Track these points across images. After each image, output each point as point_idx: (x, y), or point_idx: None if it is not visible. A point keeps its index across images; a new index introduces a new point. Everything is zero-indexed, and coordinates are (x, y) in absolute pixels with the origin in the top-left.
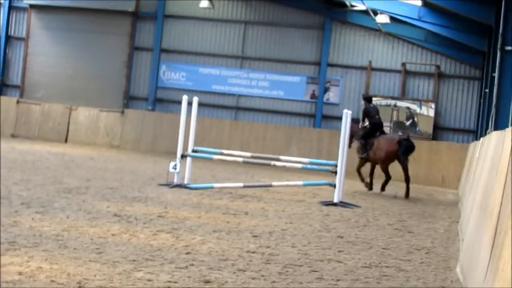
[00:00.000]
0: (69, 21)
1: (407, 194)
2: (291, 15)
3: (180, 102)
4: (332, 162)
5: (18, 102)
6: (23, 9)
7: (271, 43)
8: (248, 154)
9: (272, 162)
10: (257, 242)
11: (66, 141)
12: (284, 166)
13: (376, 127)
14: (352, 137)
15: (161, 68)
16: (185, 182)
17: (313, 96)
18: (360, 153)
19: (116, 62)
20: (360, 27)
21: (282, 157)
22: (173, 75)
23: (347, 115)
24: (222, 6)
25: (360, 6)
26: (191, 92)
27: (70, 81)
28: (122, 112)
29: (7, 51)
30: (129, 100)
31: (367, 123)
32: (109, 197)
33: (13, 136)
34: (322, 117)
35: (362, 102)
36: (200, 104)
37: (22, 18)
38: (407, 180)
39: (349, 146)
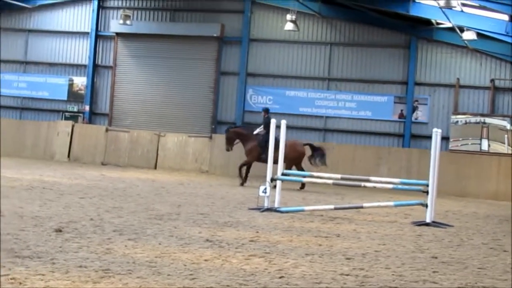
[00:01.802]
0: (155, 48)
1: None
2: (376, 35)
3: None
4: (423, 181)
5: (107, 130)
6: (110, 37)
7: (357, 63)
8: (338, 175)
9: (363, 183)
10: (351, 265)
11: (155, 167)
12: (374, 187)
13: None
14: (233, 140)
15: (247, 92)
16: (276, 205)
17: (401, 115)
18: (259, 155)
19: (203, 88)
20: (447, 44)
21: (372, 178)
22: (260, 98)
23: (437, 134)
24: (307, 28)
25: (446, 24)
26: (278, 115)
27: (157, 108)
28: (210, 137)
29: (95, 80)
30: (217, 125)
31: (259, 130)
32: (200, 223)
33: (103, 164)
34: (411, 137)
35: (262, 113)
36: (288, 127)
37: (109, 46)
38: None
39: (228, 149)
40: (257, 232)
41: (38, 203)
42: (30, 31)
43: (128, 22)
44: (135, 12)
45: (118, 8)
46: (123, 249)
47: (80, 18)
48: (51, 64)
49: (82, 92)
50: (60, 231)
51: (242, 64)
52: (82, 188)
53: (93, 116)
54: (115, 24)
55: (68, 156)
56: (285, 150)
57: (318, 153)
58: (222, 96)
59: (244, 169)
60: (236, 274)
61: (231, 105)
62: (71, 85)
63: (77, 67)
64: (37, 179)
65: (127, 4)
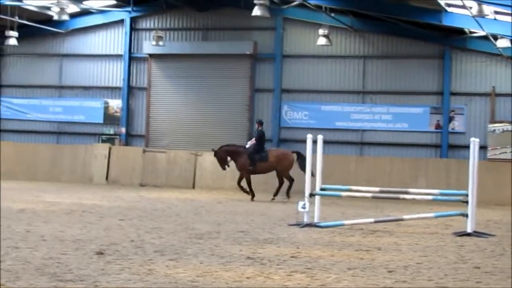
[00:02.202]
0: (188, 68)
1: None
2: (410, 47)
3: (304, 141)
4: (463, 191)
5: (144, 151)
6: (143, 59)
7: (391, 75)
8: (377, 188)
9: (402, 195)
10: (393, 277)
11: (193, 187)
12: (413, 199)
13: (263, 146)
14: (226, 159)
15: (283, 108)
16: (315, 221)
17: (437, 126)
18: (248, 166)
19: (238, 105)
20: (481, 53)
21: (411, 190)
22: (295, 114)
23: (474, 144)
24: (340, 42)
25: (479, 32)
26: (314, 130)
27: (193, 127)
28: None
29: (130, 102)
30: None
31: (251, 142)
32: (241, 240)
33: (141, 185)
34: (449, 147)
35: (256, 125)
36: (324, 142)
37: (143, 68)
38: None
39: (224, 168)
40: (298, 248)
41: (79, 226)
42: (64, 55)
43: (160, 43)
44: (167, 32)
45: (150, 29)
46: (164, 270)
47: (113, 41)
48: (86, 88)
49: (118, 114)
50: (102, 253)
51: (276, 80)
52: (122, 210)
53: (129, 138)
54: (148, 46)
55: (106, 178)
56: (273, 160)
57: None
58: (257, 113)
59: (244, 184)
60: None
61: (267, 122)
62: (106, 107)
63: (112, 90)
64: (77, 202)
65: (159, 25)
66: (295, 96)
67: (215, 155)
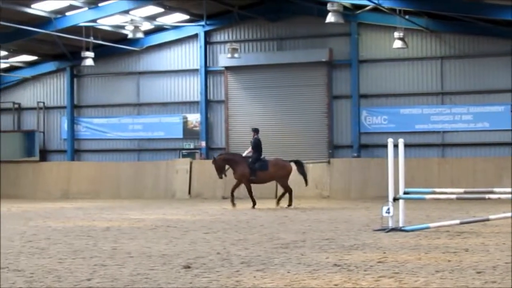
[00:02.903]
0: (264, 78)
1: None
2: (487, 45)
3: (385, 146)
4: None
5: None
6: (219, 72)
7: (470, 75)
8: (461, 189)
9: (487, 196)
10: (482, 278)
11: (275, 196)
12: (499, 198)
13: (261, 154)
14: (224, 167)
15: (361, 113)
16: (400, 225)
17: None
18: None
19: (316, 113)
20: None
21: (496, 189)
22: (374, 119)
23: None
24: (416, 44)
25: None
26: (394, 134)
27: (273, 137)
28: (329, 162)
29: (208, 115)
30: (334, 149)
31: (248, 151)
32: (326, 248)
33: (224, 198)
34: None
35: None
36: (405, 145)
37: (219, 81)
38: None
39: (221, 177)
40: (384, 252)
41: (164, 241)
42: (140, 73)
43: (236, 55)
44: (242, 44)
45: (224, 42)
46: (252, 280)
47: (188, 55)
48: (164, 104)
49: (197, 128)
50: (189, 267)
51: (353, 86)
52: (206, 223)
53: (210, 151)
54: (224, 58)
55: (189, 192)
56: (273, 169)
57: (300, 171)
58: (336, 120)
59: (244, 193)
60: None
61: (347, 128)
62: (185, 122)
63: (189, 104)
64: (161, 218)
65: (233, 38)
66: (373, 101)
67: (213, 162)
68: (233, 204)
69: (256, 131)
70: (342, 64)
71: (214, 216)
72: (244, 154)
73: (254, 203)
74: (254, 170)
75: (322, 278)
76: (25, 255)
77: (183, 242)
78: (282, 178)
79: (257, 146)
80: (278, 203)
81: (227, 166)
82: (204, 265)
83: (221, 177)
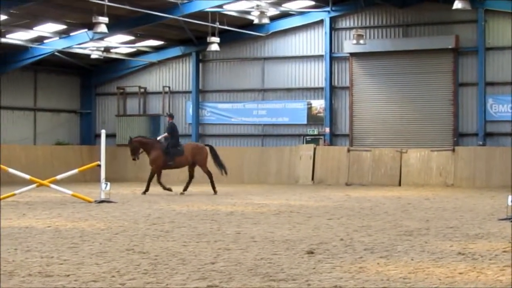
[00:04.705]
0: (389, 65)
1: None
2: None
3: (510, 135)
4: None
5: (348, 150)
6: (344, 58)
7: None
8: None
9: None
10: None
11: (399, 184)
12: None
13: (178, 139)
14: (138, 150)
15: (487, 101)
16: None
17: None
18: (166, 161)
19: (442, 101)
20: None
21: None
22: (500, 107)
23: None
24: None
25: None
26: None
27: (397, 125)
28: (453, 150)
29: (333, 102)
30: (459, 137)
31: (163, 135)
32: (450, 236)
33: (347, 184)
34: None
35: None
36: None
37: (344, 67)
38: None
39: (134, 159)
40: (510, 242)
41: (288, 226)
42: (265, 58)
43: (361, 41)
44: (367, 30)
45: (350, 28)
46: (375, 267)
47: (313, 41)
48: (289, 90)
49: (321, 114)
50: (312, 253)
51: (480, 74)
52: (329, 209)
53: (333, 138)
54: (349, 45)
55: (312, 179)
56: (190, 153)
57: (217, 161)
58: (461, 107)
59: (162, 179)
60: (493, 286)
61: (472, 116)
62: (309, 108)
63: (314, 91)
64: (284, 203)
65: (359, 24)
66: (499, 88)
67: (128, 144)
68: (167, 188)
69: (171, 116)
70: (469, 51)
71: (337, 202)
72: (158, 138)
73: (147, 190)
74: (171, 155)
75: (446, 266)
76: (150, 237)
77: (306, 227)
78: (199, 163)
79: (172, 130)
80: (184, 190)
81: (141, 150)
82: (327, 251)
83: (134, 159)
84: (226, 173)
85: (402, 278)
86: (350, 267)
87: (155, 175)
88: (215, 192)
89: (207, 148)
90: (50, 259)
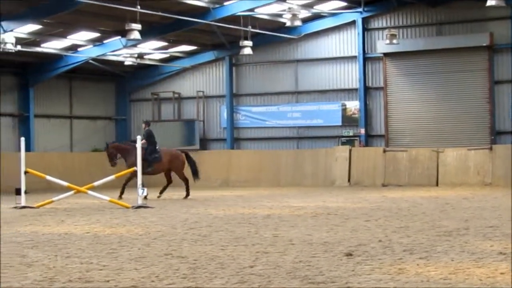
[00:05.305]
0: (423, 64)
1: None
2: None
3: None
4: None
5: (384, 151)
6: (378, 58)
7: None
8: None
9: None
10: None
11: (436, 184)
12: None
13: (155, 146)
14: (115, 156)
15: None
16: None
17: None
18: (145, 167)
19: (477, 99)
20: None
21: None
22: None
23: None
24: None
25: None
26: None
27: (433, 124)
28: (491, 149)
29: (367, 102)
30: (496, 135)
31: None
32: (491, 236)
33: (383, 185)
34: None
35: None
36: None
37: (378, 67)
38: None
39: (112, 165)
40: None
41: (325, 229)
42: (298, 61)
43: (394, 41)
44: (400, 30)
45: (383, 28)
46: (415, 268)
47: (346, 42)
48: (322, 91)
49: (356, 116)
50: (351, 255)
51: None
52: (366, 211)
53: (369, 139)
54: (382, 45)
55: (348, 180)
56: (168, 159)
57: (192, 168)
58: (498, 105)
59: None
60: None
61: (508, 114)
62: (344, 109)
63: (348, 92)
64: (321, 205)
65: (391, 24)
66: None
67: (105, 149)
68: (120, 197)
69: (147, 123)
70: (504, 48)
71: (374, 203)
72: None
73: (121, 194)
74: (150, 161)
75: (487, 266)
76: (188, 242)
77: (344, 229)
78: (176, 169)
79: (149, 137)
80: (160, 194)
81: (118, 155)
82: (366, 253)
83: (112, 165)
84: (198, 178)
85: (443, 279)
86: (390, 269)
87: (127, 179)
88: (187, 196)
89: (183, 155)
90: (90, 265)
